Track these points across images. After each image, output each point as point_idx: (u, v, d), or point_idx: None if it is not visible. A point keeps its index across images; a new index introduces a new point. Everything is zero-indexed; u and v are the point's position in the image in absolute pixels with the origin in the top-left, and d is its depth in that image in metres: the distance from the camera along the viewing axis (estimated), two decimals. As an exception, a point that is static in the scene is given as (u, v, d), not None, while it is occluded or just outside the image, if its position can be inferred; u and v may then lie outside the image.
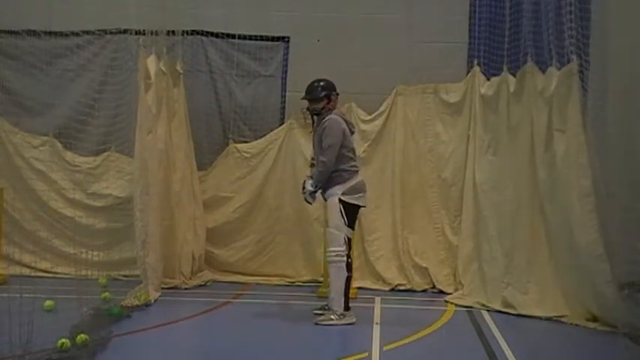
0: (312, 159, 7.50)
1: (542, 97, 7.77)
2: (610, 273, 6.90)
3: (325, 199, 7.29)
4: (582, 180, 7.16)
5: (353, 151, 7.36)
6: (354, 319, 7.12)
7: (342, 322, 7.02)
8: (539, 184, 7.86)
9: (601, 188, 7.16)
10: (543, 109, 7.74)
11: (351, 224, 7.17)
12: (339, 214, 7.08)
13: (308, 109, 7.41)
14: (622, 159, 7.47)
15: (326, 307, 7.33)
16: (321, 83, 7.39)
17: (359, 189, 7.22)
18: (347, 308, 7.14)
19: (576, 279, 7.34)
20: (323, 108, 7.32)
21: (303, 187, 7.32)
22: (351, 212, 7.16)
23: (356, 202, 7.20)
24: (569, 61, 7.36)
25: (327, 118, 7.25)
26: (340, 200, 7.09)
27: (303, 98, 7.45)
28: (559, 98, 7.47)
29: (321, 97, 7.31)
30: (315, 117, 7.40)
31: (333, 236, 7.09)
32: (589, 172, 7.14)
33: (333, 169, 7.12)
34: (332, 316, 7.04)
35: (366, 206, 7.49)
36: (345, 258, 7.07)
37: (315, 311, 7.43)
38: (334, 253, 7.06)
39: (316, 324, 7.01)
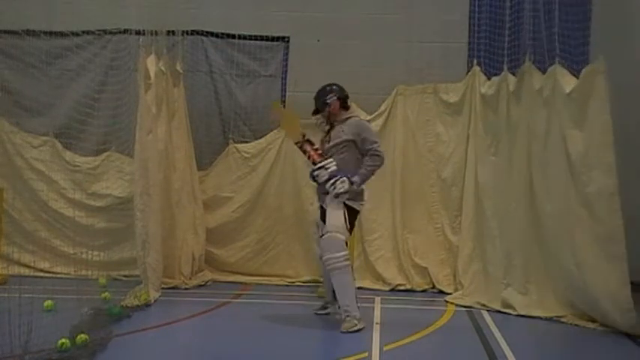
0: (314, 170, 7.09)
1: (541, 96, 7.75)
2: (627, 273, 6.85)
3: (324, 202, 7.06)
4: (608, 179, 6.99)
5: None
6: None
7: (362, 324, 6.84)
8: (536, 183, 7.84)
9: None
10: (543, 109, 7.72)
11: (351, 229, 7.08)
12: (343, 217, 6.94)
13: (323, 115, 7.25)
14: (622, 158, 7.46)
15: (325, 305, 7.35)
16: (328, 88, 7.23)
17: (362, 195, 7.11)
18: None
19: (581, 279, 7.25)
20: (335, 110, 7.18)
21: (332, 183, 6.85)
22: (353, 218, 7.06)
23: (357, 208, 7.10)
24: (585, 61, 7.26)
25: (355, 118, 7.20)
26: (344, 204, 6.97)
27: (315, 113, 7.27)
28: (579, 97, 7.27)
29: (331, 101, 7.18)
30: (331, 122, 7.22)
31: (337, 241, 6.86)
32: (614, 171, 6.99)
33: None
34: (354, 321, 6.79)
35: (360, 212, 7.29)
36: (349, 261, 6.95)
37: (316, 311, 7.43)
38: (342, 258, 6.83)
39: (342, 332, 6.75)
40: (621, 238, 6.88)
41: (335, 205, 6.97)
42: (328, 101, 7.19)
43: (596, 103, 7.12)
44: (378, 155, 7.00)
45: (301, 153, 7.35)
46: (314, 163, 7.07)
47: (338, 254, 6.83)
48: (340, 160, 6.99)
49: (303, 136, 7.26)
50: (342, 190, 6.84)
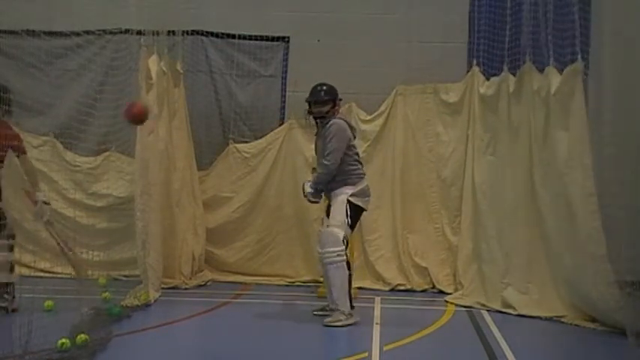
0: (314, 168, 7.50)
1: (539, 97, 7.76)
2: (612, 274, 6.88)
3: (330, 199, 7.24)
4: (586, 180, 7.12)
5: (359, 155, 7.38)
6: (358, 318, 7.08)
7: (350, 321, 6.96)
8: (537, 183, 7.85)
9: (604, 187, 7.14)
10: (541, 109, 7.73)
11: (352, 225, 7.17)
12: (345, 213, 7.05)
13: (310, 112, 7.35)
14: (627, 157, 7.47)
15: (327, 308, 7.33)
16: (325, 87, 7.34)
17: (366, 193, 7.23)
18: (351, 307, 7.11)
19: (577, 279, 7.32)
20: (327, 112, 7.26)
21: (304, 190, 7.30)
22: (355, 214, 7.15)
23: (362, 205, 7.20)
24: (573, 61, 7.31)
25: (332, 122, 7.20)
26: (348, 200, 7.08)
27: (307, 100, 7.38)
28: (562, 97, 7.41)
29: (325, 100, 7.26)
30: (318, 121, 7.34)
31: (333, 236, 7.00)
32: (591, 172, 7.10)
33: (335, 173, 7.10)
34: (340, 317, 6.95)
35: (367, 210, 7.46)
36: (345, 257, 7.04)
37: (315, 312, 7.43)
38: (335, 253, 6.97)
39: (325, 325, 6.92)
40: (600, 238, 6.93)
41: (338, 201, 7.10)
42: (339, 99, 7.34)
43: (576, 104, 7.19)
44: (325, 165, 7.11)
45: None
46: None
47: (333, 249, 6.96)
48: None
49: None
50: (307, 192, 7.23)
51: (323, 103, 7.28)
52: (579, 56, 7.25)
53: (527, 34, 8.03)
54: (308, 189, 7.23)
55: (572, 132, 7.33)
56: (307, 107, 7.38)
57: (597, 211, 7.01)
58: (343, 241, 7.03)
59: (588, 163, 7.13)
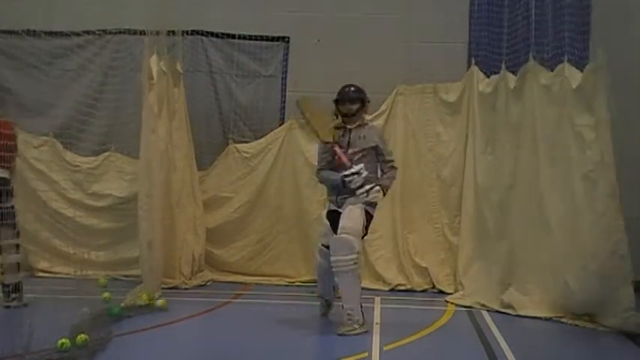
0: (347, 175, 6.76)
1: (549, 95, 7.72)
2: (632, 273, 6.85)
3: (339, 206, 6.89)
4: (607, 178, 7.01)
5: None
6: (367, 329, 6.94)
7: (363, 329, 6.77)
8: (541, 182, 7.81)
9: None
10: (551, 107, 7.69)
11: (364, 236, 6.98)
12: (362, 223, 6.80)
13: (338, 111, 7.02)
14: (622, 156, 7.47)
15: (328, 303, 7.32)
16: (353, 87, 7.10)
17: (375, 203, 7.02)
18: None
19: (578, 279, 7.28)
20: (357, 110, 7.03)
21: (367, 190, 6.70)
22: (368, 224, 6.95)
23: (373, 214, 6.97)
24: (588, 58, 7.27)
25: (371, 125, 7.26)
26: (366, 211, 6.84)
27: (336, 99, 7.03)
28: (582, 95, 7.31)
29: (354, 98, 7.02)
30: (345, 119, 7.01)
31: (350, 242, 6.66)
32: (613, 170, 7.00)
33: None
34: (355, 325, 6.71)
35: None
36: (358, 265, 6.76)
37: (323, 314, 7.40)
38: (352, 261, 6.66)
39: (340, 335, 6.68)
40: (622, 237, 6.87)
41: (358, 208, 6.81)
42: (368, 100, 7.15)
43: (598, 102, 7.14)
44: (396, 168, 7.13)
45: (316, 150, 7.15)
46: (343, 167, 6.81)
47: (348, 257, 6.66)
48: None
49: (333, 137, 6.97)
50: (376, 200, 6.83)
51: (351, 101, 7.03)
52: (600, 53, 7.16)
53: (530, 32, 8.01)
54: (380, 197, 6.80)
55: (592, 130, 7.18)
56: (334, 109, 7.07)
57: (619, 209, 6.91)
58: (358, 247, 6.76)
59: (610, 161, 7.02)
